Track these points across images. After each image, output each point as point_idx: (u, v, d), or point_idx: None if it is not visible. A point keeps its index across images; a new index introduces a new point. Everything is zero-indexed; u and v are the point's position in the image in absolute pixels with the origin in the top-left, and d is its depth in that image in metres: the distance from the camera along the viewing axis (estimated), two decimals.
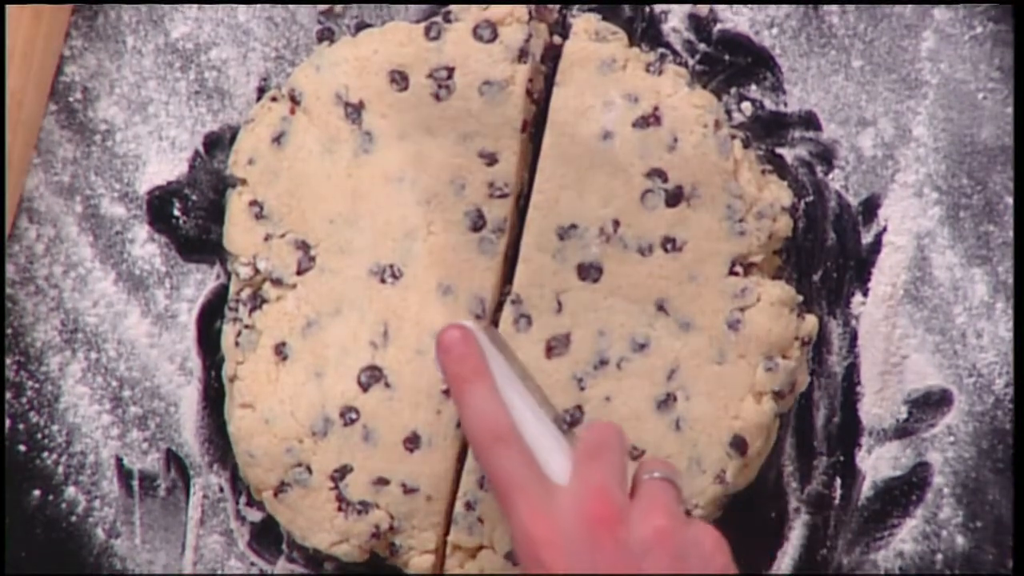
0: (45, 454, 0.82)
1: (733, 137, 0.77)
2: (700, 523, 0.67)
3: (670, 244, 0.76)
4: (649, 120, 0.76)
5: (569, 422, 0.76)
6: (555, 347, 0.77)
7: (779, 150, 0.81)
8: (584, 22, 0.78)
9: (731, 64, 0.80)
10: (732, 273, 0.77)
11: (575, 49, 0.77)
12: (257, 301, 0.78)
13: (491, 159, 0.77)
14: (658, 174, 0.76)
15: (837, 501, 0.81)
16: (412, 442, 0.77)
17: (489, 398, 0.67)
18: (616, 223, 0.76)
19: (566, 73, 0.76)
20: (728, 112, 0.80)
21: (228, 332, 0.79)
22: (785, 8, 0.80)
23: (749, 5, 0.80)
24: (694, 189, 0.76)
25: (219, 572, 0.82)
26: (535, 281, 0.77)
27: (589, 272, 0.77)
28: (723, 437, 0.77)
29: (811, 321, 0.78)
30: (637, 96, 0.76)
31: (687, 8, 0.80)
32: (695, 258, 0.77)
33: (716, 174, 0.76)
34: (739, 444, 0.77)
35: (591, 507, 0.63)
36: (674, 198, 0.76)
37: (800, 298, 0.78)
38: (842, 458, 0.81)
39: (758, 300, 0.77)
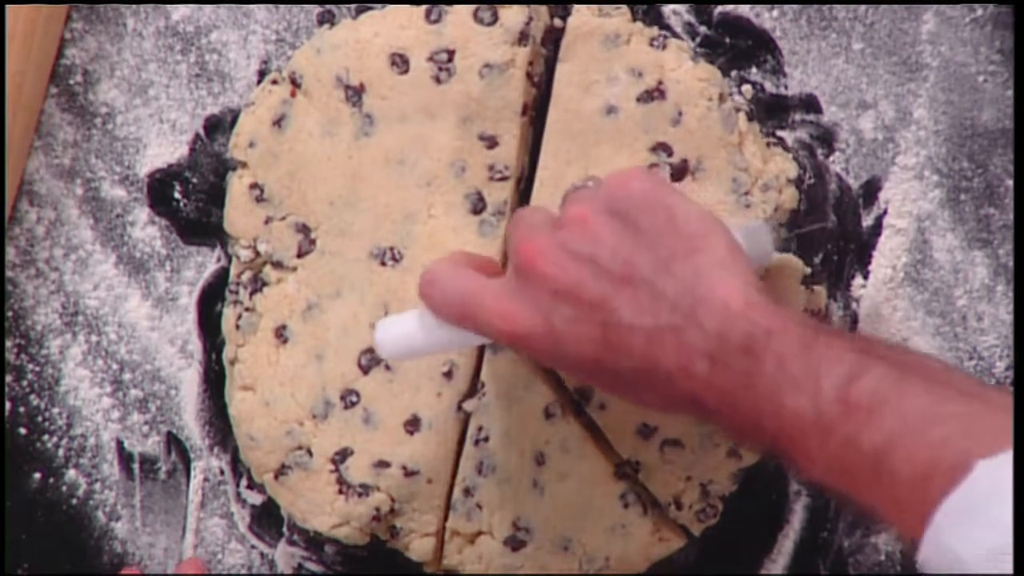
0: (45, 437, 0.82)
1: (737, 110, 0.77)
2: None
3: None
4: (653, 94, 0.76)
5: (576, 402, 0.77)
6: None
7: (780, 133, 0.80)
8: None
9: (731, 47, 0.80)
10: None
11: (578, 24, 0.76)
12: (258, 284, 0.79)
13: (491, 142, 0.77)
14: (663, 148, 0.76)
15: None
16: (413, 425, 0.77)
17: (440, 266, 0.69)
18: None
19: (569, 49, 0.76)
20: (728, 95, 0.80)
21: (229, 315, 0.79)
22: None
23: None
24: (699, 162, 0.76)
25: (220, 555, 0.82)
26: None
27: None
28: None
29: (820, 293, 0.78)
30: (641, 70, 0.76)
31: None
32: None
33: (721, 147, 0.76)
34: None
35: (518, 257, 0.65)
36: (679, 172, 0.76)
37: (808, 270, 0.78)
38: None
39: (766, 273, 0.77)
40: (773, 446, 0.60)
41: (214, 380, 0.82)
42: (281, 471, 0.78)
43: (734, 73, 0.80)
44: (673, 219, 0.64)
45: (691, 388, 0.61)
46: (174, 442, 0.82)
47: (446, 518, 0.78)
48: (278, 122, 0.78)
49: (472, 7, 0.76)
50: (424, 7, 0.77)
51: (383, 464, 0.77)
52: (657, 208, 0.64)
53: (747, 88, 0.80)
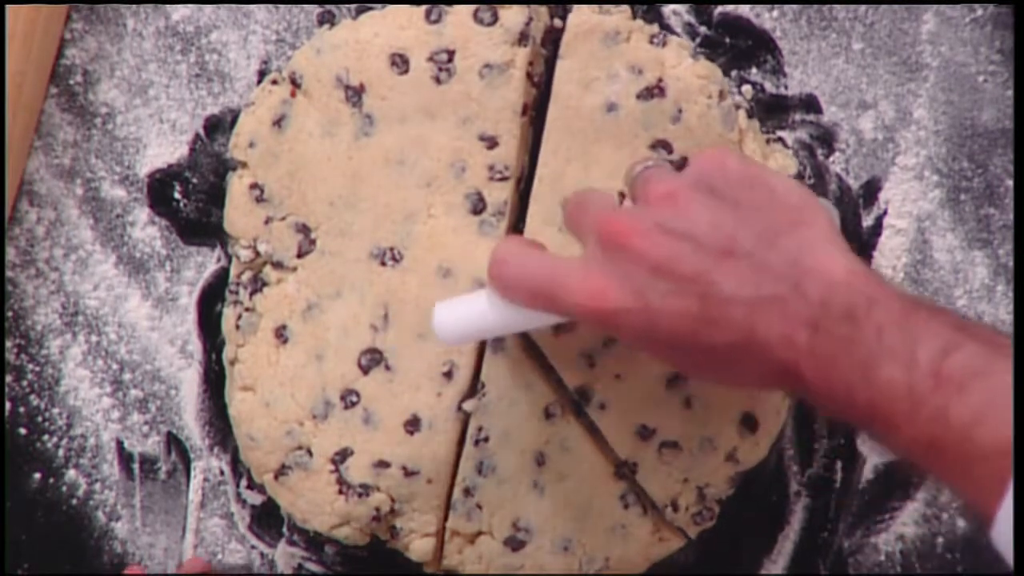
0: (46, 437, 0.82)
1: (737, 107, 0.77)
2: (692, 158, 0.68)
3: None
4: (653, 91, 0.76)
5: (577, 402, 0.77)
6: (563, 323, 0.76)
7: (780, 133, 0.81)
8: None
9: (732, 47, 0.80)
10: None
11: (579, 22, 0.76)
12: (258, 284, 0.78)
13: (491, 142, 0.77)
14: (663, 145, 0.76)
15: (838, 484, 0.81)
16: (412, 425, 0.77)
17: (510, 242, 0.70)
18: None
19: (570, 46, 0.76)
20: (728, 92, 0.80)
21: (229, 315, 0.79)
22: None
23: None
24: None
25: (220, 555, 0.82)
26: None
27: None
28: (734, 415, 0.77)
29: None
30: (641, 68, 0.76)
31: None
32: None
33: (721, 144, 0.76)
34: (750, 422, 0.77)
35: (603, 235, 0.64)
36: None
37: None
38: (843, 441, 0.81)
39: None
40: (863, 417, 0.60)
41: (214, 380, 0.82)
42: (281, 471, 0.78)
43: (734, 73, 0.80)
44: (774, 194, 0.65)
45: (789, 358, 0.61)
46: (174, 442, 0.82)
47: (446, 518, 0.78)
48: (278, 122, 0.78)
49: (472, 7, 0.76)
50: (424, 7, 0.77)
51: (383, 464, 0.77)
52: (757, 184, 0.65)
53: (747, 88, 0.80)
